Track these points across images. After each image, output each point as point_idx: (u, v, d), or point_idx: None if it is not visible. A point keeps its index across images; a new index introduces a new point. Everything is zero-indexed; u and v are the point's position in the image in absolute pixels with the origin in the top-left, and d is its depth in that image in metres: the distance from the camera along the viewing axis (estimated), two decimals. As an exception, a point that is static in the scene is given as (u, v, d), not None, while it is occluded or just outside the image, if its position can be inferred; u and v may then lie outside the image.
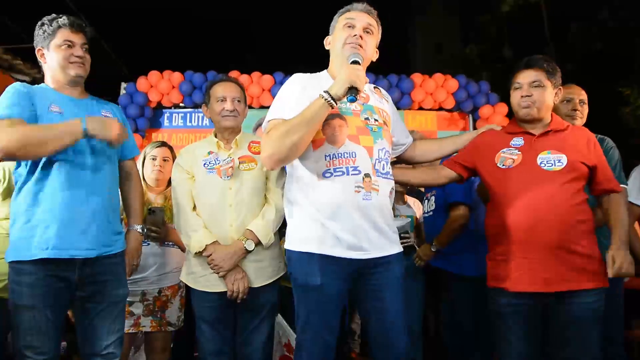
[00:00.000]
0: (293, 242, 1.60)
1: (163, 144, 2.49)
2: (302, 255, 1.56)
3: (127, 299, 1.85)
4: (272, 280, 1.89)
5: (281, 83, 1.71)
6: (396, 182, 1.74)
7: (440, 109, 5.39)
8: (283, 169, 1.83)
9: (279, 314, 2.17)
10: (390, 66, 5.05)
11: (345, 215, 1.52)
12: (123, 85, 5.35)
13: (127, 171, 1.90)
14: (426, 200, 2.76)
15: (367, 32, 1.64)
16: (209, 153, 1.93)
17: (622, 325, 2.14)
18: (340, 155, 1.54)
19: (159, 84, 5.16)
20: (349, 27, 1.63)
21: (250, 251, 1.82)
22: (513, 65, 1.89)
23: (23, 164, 1.63)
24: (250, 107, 3.25)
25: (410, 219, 2.78)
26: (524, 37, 10.90)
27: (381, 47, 1.75)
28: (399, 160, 1.96)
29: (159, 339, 2.28)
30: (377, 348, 1.60)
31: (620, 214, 1.71)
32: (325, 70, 1.74)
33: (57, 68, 1.69)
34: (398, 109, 2.13)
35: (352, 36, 1.61)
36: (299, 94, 1.59)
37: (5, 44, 5.08)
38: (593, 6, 9.75)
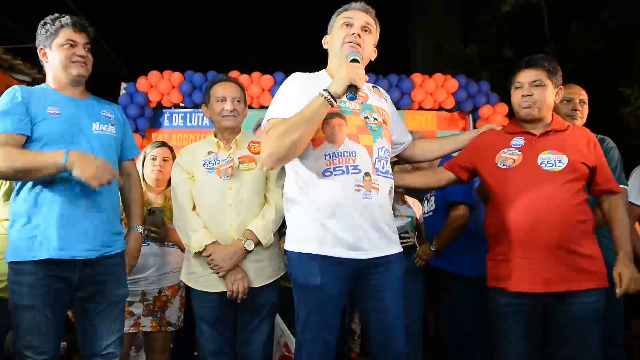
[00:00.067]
0: (293, 242, 1.60)
1: (163, 144, 2.50)
2: (302, 256, 1.56)
3: (127, 299, 1.85)
4: (272, 280, 1.89)
5: (281, 83, 1.70)
6: (396, 187, 1.74)
7: (440, 109, 5.38)
8: (283, 169, 1.83)
9: (278, 316, 2.16)
10: (390, 66, 5.06)
11: (345, 214, 1.51)
12: (123, 85, 5.33)
13: (127, 171, 1.90)
14: (426, 201, 2.76)
15: (365, 31, 1.64)
16: (209, 153, 1.93)
17: (622, 325, 2.13)
18: (340, 154, 1.53)
19: (159, 84, 5.15)
20: (347, 25, 1.63)
21: (250, 251, 1.82)
22: (513, 65, 1.88)
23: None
24: (250, 107, 3.25)
25: (410, 219, 2.78)
26: (524, 37, 10.88)
27: (381, 47, 1.74)
28: (399, 159, 1.96)
29: (159, 339, 2.28)
30: (377, 348, 1.60)
31: (619, 215, 1.71)
32: (324, 70, 1.73)
33: (59, 67, 1.69)
34: (398, 109, 2.13)
35: (351, 35, 1.60)
36: (298, 93, 1.58)
37: (5, 44, 5.06)
38: (593, 6, 9.74)
